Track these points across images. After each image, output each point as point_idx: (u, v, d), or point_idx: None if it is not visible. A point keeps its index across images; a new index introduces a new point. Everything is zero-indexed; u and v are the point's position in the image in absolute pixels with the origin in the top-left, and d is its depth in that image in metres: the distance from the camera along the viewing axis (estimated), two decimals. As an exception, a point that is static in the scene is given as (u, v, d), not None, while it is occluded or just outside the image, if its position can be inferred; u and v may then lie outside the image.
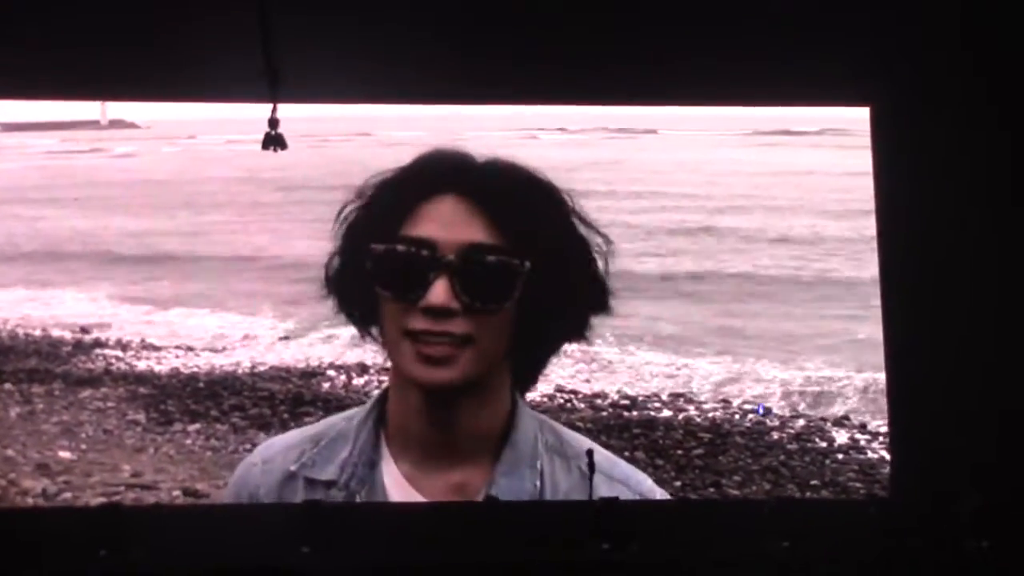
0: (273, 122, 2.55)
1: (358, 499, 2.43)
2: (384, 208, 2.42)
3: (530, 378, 2.58)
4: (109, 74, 2.38)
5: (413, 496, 2.44)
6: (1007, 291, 2.22)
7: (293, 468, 2.55)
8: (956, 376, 2.21)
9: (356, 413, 2.57)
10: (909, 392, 2.22)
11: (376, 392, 2.56)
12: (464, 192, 2.33)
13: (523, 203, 2.37)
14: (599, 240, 2.55)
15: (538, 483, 2.41)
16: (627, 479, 2.61)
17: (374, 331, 2.53)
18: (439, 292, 2.23)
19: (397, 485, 2.48)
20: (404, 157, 2.53)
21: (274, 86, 2.42)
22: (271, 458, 2.59)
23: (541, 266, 2.34)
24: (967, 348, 2.22)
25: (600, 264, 2.52)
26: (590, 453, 2.42)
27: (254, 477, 2.59)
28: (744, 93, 2.48)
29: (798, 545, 1.99)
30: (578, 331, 2.54)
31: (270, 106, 2.62)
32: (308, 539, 2.21)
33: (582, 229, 2.52)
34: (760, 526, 2.04)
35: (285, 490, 2.53)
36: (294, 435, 2.67)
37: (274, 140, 2.52)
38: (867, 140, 2.67)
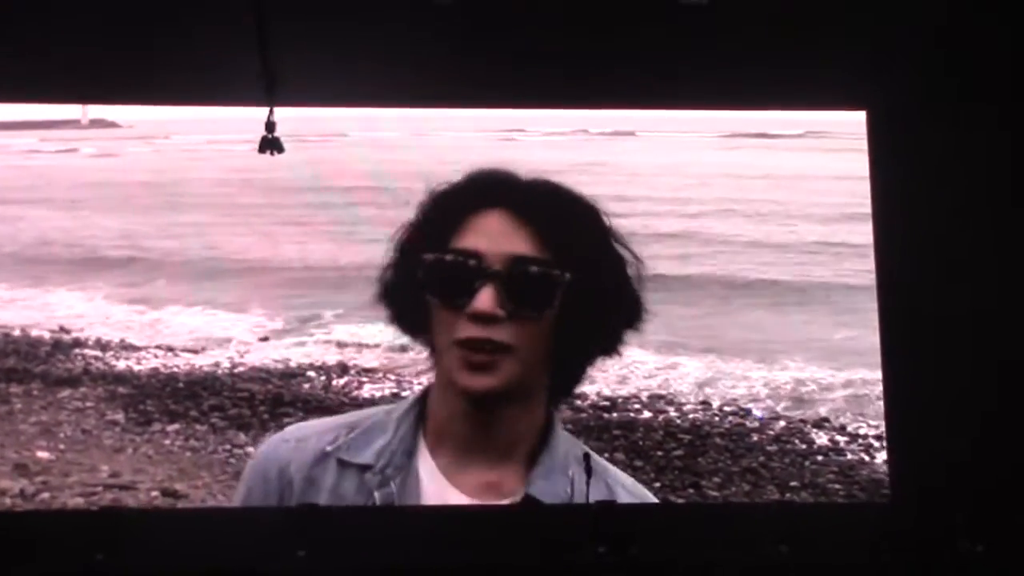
0: (270, 125, 2.59)
1: (392, 486, 2.52)
2: (436, 221, 2.55)
3: (565, 390, 2.69)
4: (108, 78, 2.39)
5: (447, 488, 2.54)
6: (1004, 294, 2.25)
7: (328, 449, 2.64)
8: (952, 382, 2.23)
9: (395, 408, 2.67)
10: (905, 398, 2.25)
11: (355, 388, 2.71)
12: (511, 207, 2.46)
13: (565, 218, 2.50)
14: (632, 259, 2.67)
15: (568, 490, 2.52)
16: (643, 494, 2.75)
17: (421, 340, 2.63)
18: (485, 299, 2.35)
19: (432, 477, 2.57)
20: (382, 157, 2.61)
21: (271, 90, 2.43)
22: (305, 437, 2.69)
23: (579, 279, 2.46)
24: (963, 353, 2.24)
25: (634, 281, 2.65)
26: (587, 457, 2.53)
27: (285, 452, 2.68)
28: (744, 97, 2.52)
29: (796, 549, 2.02)
30: (612, 345, 2.67)
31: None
32: (304, 542, 2.22)
33: (618, 247, 2.65)
34: (758, 530, 2.07)
35: (316, 468, 2.63)
36: (326, 421, 2.79)
37: (271, 143, 2.56)
38: (847, 143, 2.70)
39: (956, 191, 2.26)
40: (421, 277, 2.35)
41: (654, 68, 2.38)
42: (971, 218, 2.27)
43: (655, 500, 2.52)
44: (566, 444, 2.49)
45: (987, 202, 2.27)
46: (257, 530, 2.14)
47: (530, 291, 2.31)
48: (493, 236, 2.34)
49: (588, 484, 2.34)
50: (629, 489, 2.53)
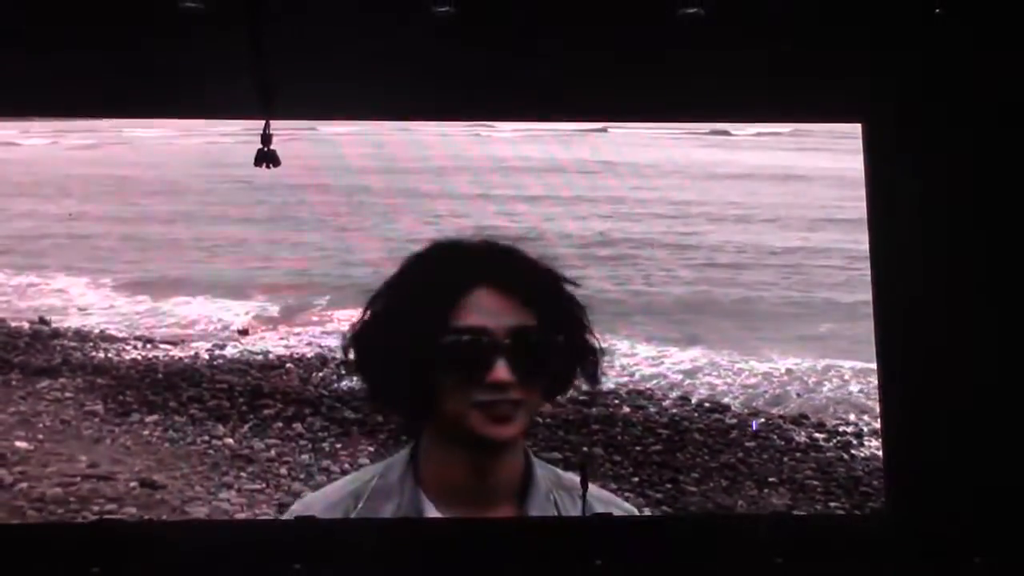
0: (266, 138, 2.64)
1: None
2: (426, 306, 2.97)
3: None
4: (108, 93, 2.39)
5: None
6: (1002, 303, 2.27)
7: None
8: (948, 389, 2.26)
9: (388, 469, 3.08)
10: (901, 406, 2.28)
11: (334, 381, 3.41)
12: (491, 282, 2.93)
13: (538, 285, 3.00)
14: (581, 307, 3.24)
15: (555, 512, 2.89)
16: (612, 500, 3.26)
17: (417, 411, 3.05)
18: (501, 371, 2.84)
19: None
20: (348, 152, 2.74)
21: (267, 103, 2.44)
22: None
23: (565, 336, 2.98)
24: (960, 361, 2.27)
25: (590, 328, 3.19)
26: (583, 468, 2.97)
27: None
28: (742, 109, 2.55)
29: (791, 561, 2.05)
30: (566, 386, 3.27)
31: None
32: (300, 555, 2.25)
33: (573, 300, 3.19)
34: (754, 542, 2.10)
35: None
36: (331, 492, 3.21)
37: (267, 156, 2.58)
38: (827, 142, 2.74)
39: (949, 198, 2.30)
40: (437, 357, 2.87)
41: (653, 81, 2.42)
42: (967, 222, 2.31)
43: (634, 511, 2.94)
44: (542, 474, 2.98)
45: (981, 208, 2.31)
46: (254, 543, 2.16)
47: (534, 358, 2.85)
48: (491, 313, 2.94)
49: (584, 496, 2.54)
50: (606, 502, 3.03)
